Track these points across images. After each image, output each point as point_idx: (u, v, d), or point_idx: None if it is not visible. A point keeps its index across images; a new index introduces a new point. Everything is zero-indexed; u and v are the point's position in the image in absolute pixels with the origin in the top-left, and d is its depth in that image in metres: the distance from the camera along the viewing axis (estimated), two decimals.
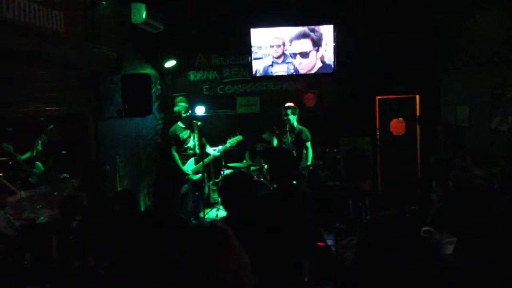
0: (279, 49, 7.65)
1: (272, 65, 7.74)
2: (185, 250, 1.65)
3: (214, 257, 1.61)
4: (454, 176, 3.56)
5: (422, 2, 7.32)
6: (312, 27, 7.58)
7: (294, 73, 7.76)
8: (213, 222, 1.83)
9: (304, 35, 7.65)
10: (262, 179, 6.51)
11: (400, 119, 7.85)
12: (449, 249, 2.85)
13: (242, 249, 1.70)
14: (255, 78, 7.91)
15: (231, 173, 3.42)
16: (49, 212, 4.18)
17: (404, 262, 1.46)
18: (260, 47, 7.70)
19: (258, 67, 7.73)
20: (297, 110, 6.64)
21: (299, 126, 6.49)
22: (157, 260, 2.48)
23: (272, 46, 7.64)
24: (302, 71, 7.74)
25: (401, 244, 1.48)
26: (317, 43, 7.67)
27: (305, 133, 6.42)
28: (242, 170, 6.77)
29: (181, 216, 3.17)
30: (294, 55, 7.70)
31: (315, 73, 7.75)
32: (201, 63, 8.13)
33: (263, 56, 7.70)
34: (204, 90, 8.15)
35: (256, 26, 7.60)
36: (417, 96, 7.81)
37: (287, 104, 6.76)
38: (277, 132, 6.48)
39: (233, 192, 2.77)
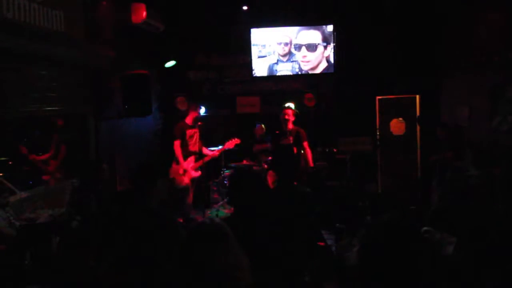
0: (286, 47, 7.65)
1: (277, 63, 7.74)
2: (185, 248, 1.65)
3: (212, 255, 1.61)
4: (450, 176, 3.57)
5: (422, 2, 7.32)
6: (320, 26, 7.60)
7: (299, 73, 7.75)
8: (212, 220, 1.84)
9: (314, 28, 7.64)
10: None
11: (400, 119, 7.84)
12: (449, 249, 2.84)
13: (240, 248, 1.71)
14: (255, 78, 7.90)
15: (239, 168, 3.37)
16: (49, 212, 4.18)
17: (406, 264, 1.47)
18: (264, 46, 7.69)
19: (262, 65, 7.71)
20: (296, 111, 6.64)
21: (296, 127, 6.49)
22: (156, 260, 2.48)
23: (280, 44, 7.65)
24: (305, 66, 7.70)
25: (403, 247, 1.49)
26: (327, 40, 7.66)
27: (302, 133, 6.42)
28: None
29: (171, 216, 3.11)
30: (299, 47, 7.66)
31: (315, 73, 7.75)
32: (201, 63, 8.12)
33: (267, 55, 7.69)
34: (204, 90, 8.14)
35: (256, 26, 7.59)
36: (417, 96, 7.80)
37: (287, 105, 6.73)
38: (276, 132, 6.46)
39: (243, 186, 2.73)
